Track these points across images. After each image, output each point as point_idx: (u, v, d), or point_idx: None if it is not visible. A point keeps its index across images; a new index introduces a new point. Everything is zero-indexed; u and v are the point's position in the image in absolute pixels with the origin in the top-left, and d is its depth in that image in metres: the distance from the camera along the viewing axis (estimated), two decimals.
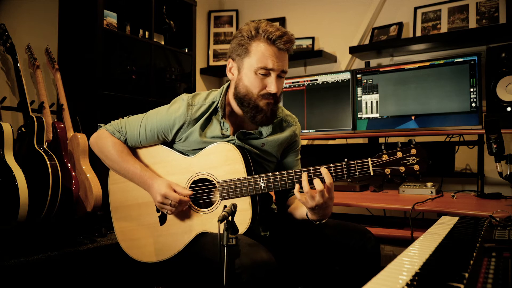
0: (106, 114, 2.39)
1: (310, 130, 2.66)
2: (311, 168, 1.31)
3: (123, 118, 1.55)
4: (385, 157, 1.26)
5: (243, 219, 1.35)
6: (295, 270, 1.54)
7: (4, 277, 1.68)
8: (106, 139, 1.50)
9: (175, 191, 1.39)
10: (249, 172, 1.38)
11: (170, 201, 1.38)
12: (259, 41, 1.35)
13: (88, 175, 2.09)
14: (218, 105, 1.44)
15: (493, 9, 2.48)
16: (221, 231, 1.07)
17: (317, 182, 1.26)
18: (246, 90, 1.38)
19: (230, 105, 1.46)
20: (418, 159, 1.23)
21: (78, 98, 2.45)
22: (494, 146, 1.62)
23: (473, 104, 2.14)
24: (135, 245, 1.51)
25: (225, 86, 1.48)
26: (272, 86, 1.36)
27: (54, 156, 2.00)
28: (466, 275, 0.75)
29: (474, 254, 0.88)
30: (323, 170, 1.28)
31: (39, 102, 2.27)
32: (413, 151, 1.24)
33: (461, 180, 2.52)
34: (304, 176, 1.29)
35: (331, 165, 1.30)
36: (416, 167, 1.23)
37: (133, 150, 1.54)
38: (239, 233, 1.32)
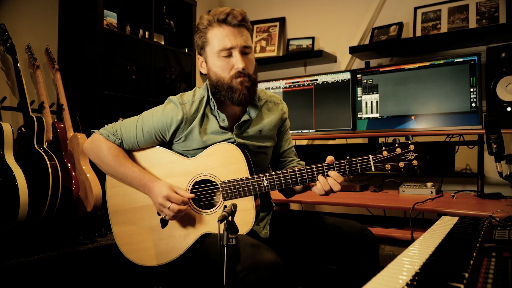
0: (106, 114, 2.39)
1: (310, 130, 2.66)
2: (313, 166, 1.34)
3: (122, 119, 1.53)
4: (385, 153, 1.29)
5: (246, 219, 1.35)
6: (295, 270, 1.54)
7: (4, 277, 1.68)
8: (100, 143, 1.46)
9: (176, 193, 1.37)
10: (251, 172, 1.38)
11: (169, 205, 1.34)
12: (212, 27, 1.39)
13: (88, 175, 2.09)
14: (211, 97, 1.45)
15: (493, 9, 2.48)
16: (221, 231, 1.07)
17: (321, 178, 1.33)
18: (216, 76, 1.41)
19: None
20: (416, 154, 1.27)
21: (78, 98, 2.45)
22: (494, 146, 1.63)
23: (473, 104, 2.14)
24: (136, 249, 1.48)
25: (207, 81, 1.50)
26: (238, 63, 1.38)
27: (54, 156, 1.99)
28: (466, 275, 0.75)
29: (474, 254, 0.88)
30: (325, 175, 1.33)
31: (39, 102, 2.27)
32: (411, 147, 1.28)
33: (461, 180, 2.52)
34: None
35: (334, 163, 1.32)
36: (415, 162, 1.27)
37: (129, 154, 1.50)
38: (243, 233, 1.32)
